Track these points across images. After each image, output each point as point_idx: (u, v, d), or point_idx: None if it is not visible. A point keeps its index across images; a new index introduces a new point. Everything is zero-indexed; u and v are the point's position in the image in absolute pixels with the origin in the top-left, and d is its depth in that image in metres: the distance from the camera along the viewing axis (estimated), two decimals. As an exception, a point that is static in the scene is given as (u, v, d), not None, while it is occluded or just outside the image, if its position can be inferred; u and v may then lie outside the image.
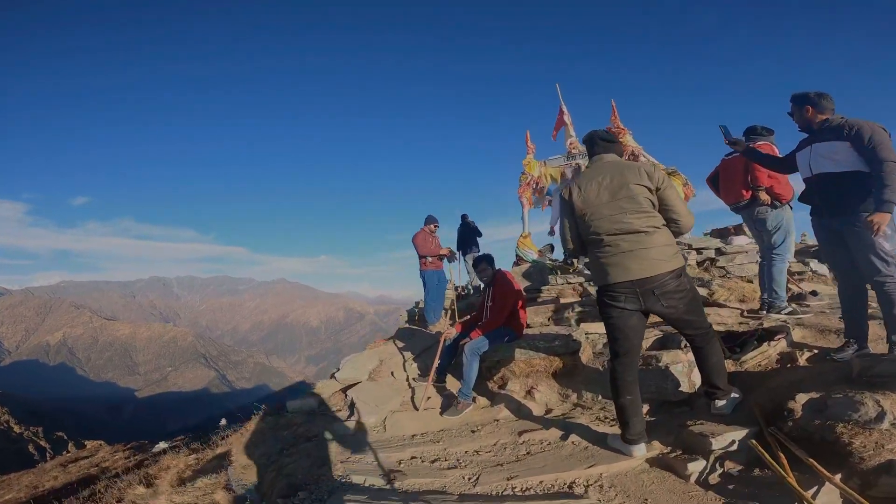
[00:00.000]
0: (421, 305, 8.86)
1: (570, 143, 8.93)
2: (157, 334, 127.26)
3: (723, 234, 7.98)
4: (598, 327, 4.68)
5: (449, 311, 8.11)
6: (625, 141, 8.17)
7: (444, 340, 4.74)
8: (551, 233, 10.41)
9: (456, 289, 11.51)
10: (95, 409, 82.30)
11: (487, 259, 4.85)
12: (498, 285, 4.59)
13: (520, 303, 4.59)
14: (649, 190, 2.78)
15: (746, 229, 7.36)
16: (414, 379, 5.19)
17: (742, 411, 3.04)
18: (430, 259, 7.71)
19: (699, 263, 6.91)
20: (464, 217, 11.75)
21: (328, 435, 3.84)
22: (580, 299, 6.26)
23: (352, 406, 4.38)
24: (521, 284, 7.52)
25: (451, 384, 4.99)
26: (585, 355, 4.28)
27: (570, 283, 6.81)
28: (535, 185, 8.90)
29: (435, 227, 7.86)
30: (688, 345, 3.17)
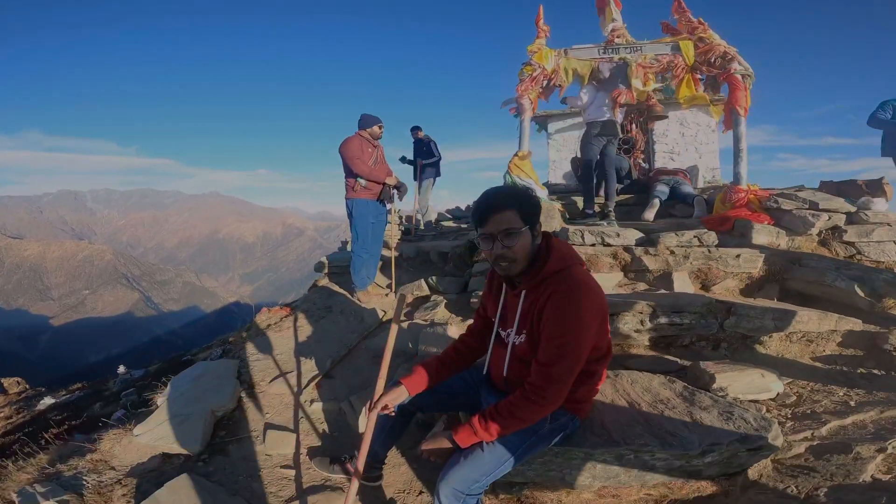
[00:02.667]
0: (349, 248, 5.85)
1: (614, 30, 5.68)
2: (69, 253, 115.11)
3: (845, 190, 5.13)
4: (752, 385, 2.00)
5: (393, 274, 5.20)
6: (708, 37, 5.29)
7: (378, 415, 1.87)
8: (576, 106, 6.82)
9: (400, 221, 8.53)
10: (9, 340, 74.49)
11: (525, 204, 1.68)
12: (557, 301, 1.60)
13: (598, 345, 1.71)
14: None
15: (891, 188, 4.90)
16: (315, 463, 2.41)
17: None
18: (364, 183, 4.68)
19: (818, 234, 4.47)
20: (416, 131, 8.63)
21: None
22: (628, 278, 3.43)
23: None
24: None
25: (394, 472, 2.28)
26: (759, 466, 1.57)
27: (608, 246, 3.96)
28: (543, 83, 5.74)
29: (380, 129, 4.74)
30: None
